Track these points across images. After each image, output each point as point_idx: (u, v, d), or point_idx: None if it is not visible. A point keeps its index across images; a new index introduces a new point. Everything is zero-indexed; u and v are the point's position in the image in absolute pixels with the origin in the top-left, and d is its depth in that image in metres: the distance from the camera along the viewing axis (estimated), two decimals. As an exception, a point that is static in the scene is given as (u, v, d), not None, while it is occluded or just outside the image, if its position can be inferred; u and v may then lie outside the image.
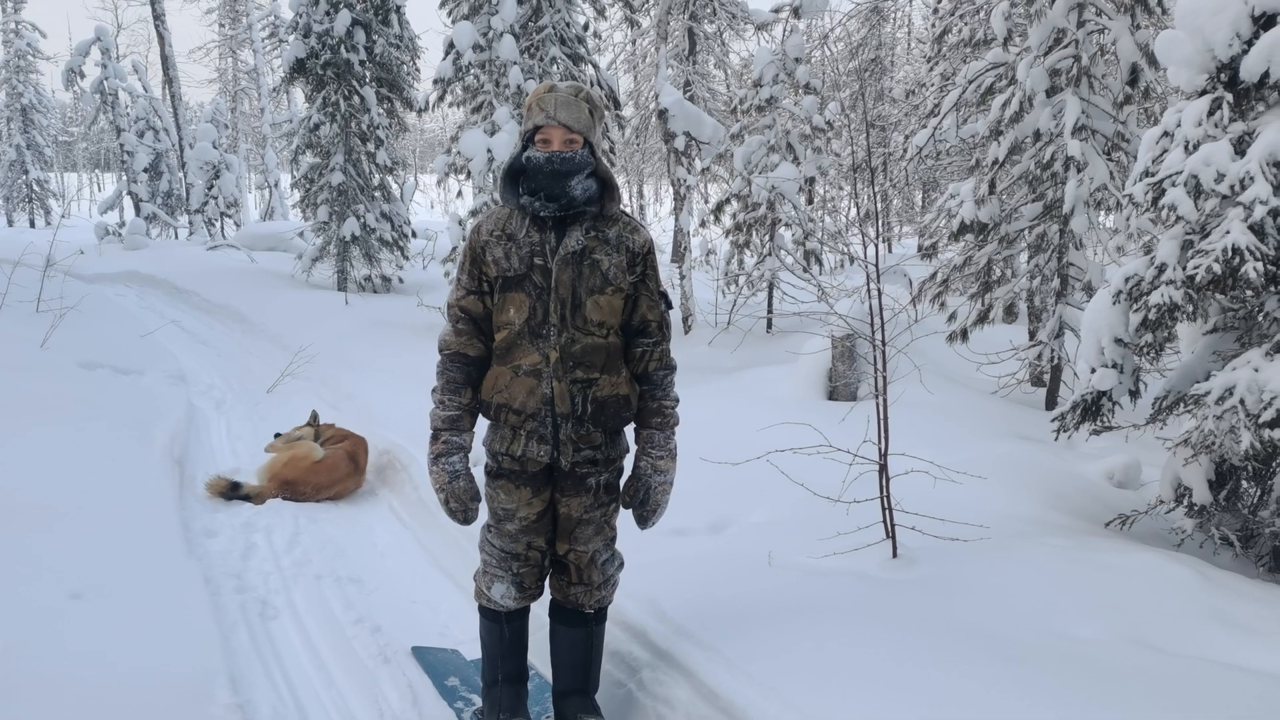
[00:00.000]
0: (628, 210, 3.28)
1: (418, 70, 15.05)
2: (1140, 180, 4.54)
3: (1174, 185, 4.30)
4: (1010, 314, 11.68)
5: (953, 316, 8.70)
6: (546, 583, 3.26)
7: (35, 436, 5.41)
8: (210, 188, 23.29)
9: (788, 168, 10.61)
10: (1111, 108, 7.72)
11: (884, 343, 4.31)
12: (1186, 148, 4.33)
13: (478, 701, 3.51)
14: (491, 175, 10.50)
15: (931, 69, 15.78)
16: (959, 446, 6.06)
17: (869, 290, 4.43)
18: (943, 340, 8.65)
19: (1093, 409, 4.94)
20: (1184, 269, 4.33)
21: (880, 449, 4.21)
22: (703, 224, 12.54)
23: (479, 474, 3.16)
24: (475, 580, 3.27)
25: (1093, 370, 4.87)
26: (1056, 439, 5.37)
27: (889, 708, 2.87)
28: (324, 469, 5.81)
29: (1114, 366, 4.81)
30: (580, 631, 3.22)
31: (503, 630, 3.22)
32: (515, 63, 10.83)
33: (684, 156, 11.98)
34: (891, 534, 4.16)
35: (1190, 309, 4.38)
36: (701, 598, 3.75)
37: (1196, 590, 3.76)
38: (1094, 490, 5.56)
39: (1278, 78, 4.09)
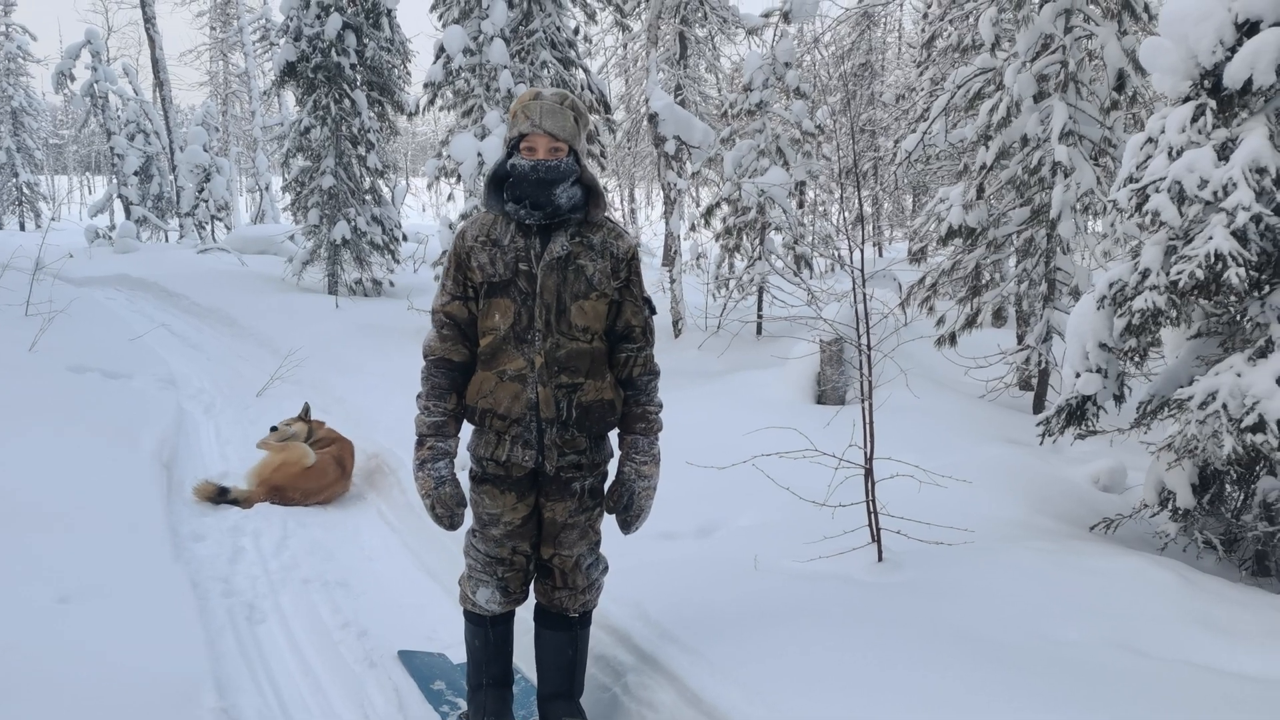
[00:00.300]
0: (612, 216, 3.29)
1: (408, 74, 15.04)
2: (1125, 186, 4.57)
3: (1158, 191, 4.33)
4: (999, 318, 11.72)
5: (941, 320, 8.73)
6: (531, 587, 3.27)
7: (23, 440, 5.40)
8: (201, 191, 23.24)
9: (777, 172, 10.63)
10: (1098, 113, 7.76)
11: (869, 347, 4.32)
12: (1170, 154, 4.36)
13: (463, 705, 3.52)
14: (481, 179, 10.51)
15: (921, 74, 15.83)
16: (947, 450, 6.09)
17: (855, 295, 4.45)
18: (931, 344, 8.68)
19: (1077, 413, 4.96)
20: (1167, 274, 4.35)
21: (866, 453, 4.22)
22: (693, 228, 12.56)
23: (464, 479, 3.17)
24: (460, 584, 3.28)
25: (1077, 375, 4.89)
26: (1041, 443, 5.40)
27: (873, 710, 2.88)
28: (313, 475, 5.81)
29: (1098, 371, 4.83)
30: (565, 635, 3.23)
31: (488, 634, 3.23)
32: (506, 67, 10.84)
33: (674, 160, 11.99)
34: (877, 538, 4.18)
35: (1174, 314, 4.41)
36: (687, 602, 3.76)
37: (1179, 594, 3.79)
38: (1079, 494, 5.59)
39: (1261, 84, 4.12)
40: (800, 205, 13.95)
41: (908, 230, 19.19)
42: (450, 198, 12.93)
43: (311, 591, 4.50)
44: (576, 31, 12.24)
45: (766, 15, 12.02)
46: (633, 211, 26.49)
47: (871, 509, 4.18)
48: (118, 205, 25.37)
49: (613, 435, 3.21)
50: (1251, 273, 4.23)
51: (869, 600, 3.73)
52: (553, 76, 11.57)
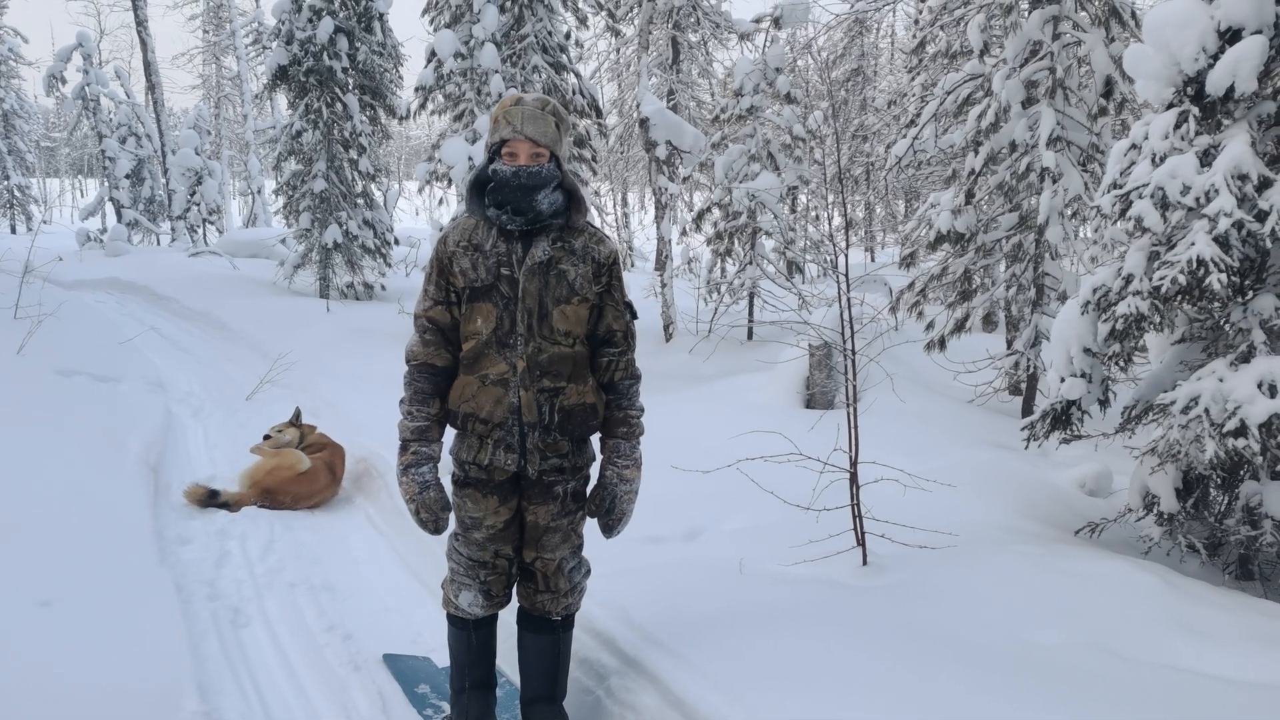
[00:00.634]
0: (593, 221, 3.30)
1: (400, 78, 15.06)
2: (1109, 192, 4.59)
3: (1141, 197, 4.35)
4: (989, 323, 11.74)
5: (930, 325, 8.76)
6: (514, 590, 3.28)
7: (8, 443, 5.39)
8: (193, 194, 23.22)
9: (768, 177, 10.66)
10: (1086, 119, 7.79)
11: (854, 351, 4.34)
12: (1154, 160, 4.38)
13: (447, 709, 3.52)
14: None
15: (913, 79, 15.88)
16: (935, 454, 6.11)
17: (840, 299, 4.47)
18: (920, 349, 8.71)
19: (1062, 418, 4.98)
20: (1150, 280, 4.38)
21: (851, 457, 4.24)
22: (684, 232, 12.58)
23: (447, 483, 3.18)
24: (443, 588, 3.28)
25: (1062, 380, 4.91)
26: (1026, 447, 5.42)
27: (849, 710, 2.90)
28: (305, 480, 5.80)
29: (1083, 376, 4.85)
30: (547, 639, 3.24)
31: (470, 638, 3.24)
32: (497, 71, 10.86)
33: (666, 165, 12.01)
34: (862, 542, 4.20)
35: (1157, 319, 4.43)
36: (672, 605, 3.77)
37: (1161, 597, 3.81)
38: (1065, 498, 5.61)
39: (1243, 92, 4.15)
40: (793, 210, 13.99)
41: (899, 235, 19.23)
42: (441, 202, 12.93)
43: (297, 595, 4.50)
44: (568, 36, 12.27)
45: (757, 21, 12.06)
46: (625, 216, 26.49)
47: (856, 513, 4.20)
48: (109, 208, 25.33)
49: (594, 439, 3.22)
50: (1234, 278, 4.26)
51: (852, 603, 3.75)
52: (544, 81, 11.59)
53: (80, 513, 4.67)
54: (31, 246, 10.89)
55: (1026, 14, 7.75)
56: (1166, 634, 3.52)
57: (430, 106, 12.10)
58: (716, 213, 11.36)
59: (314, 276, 14.26)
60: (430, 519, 3.06)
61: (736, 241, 11.30)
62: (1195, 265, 4.12)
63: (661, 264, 12.17)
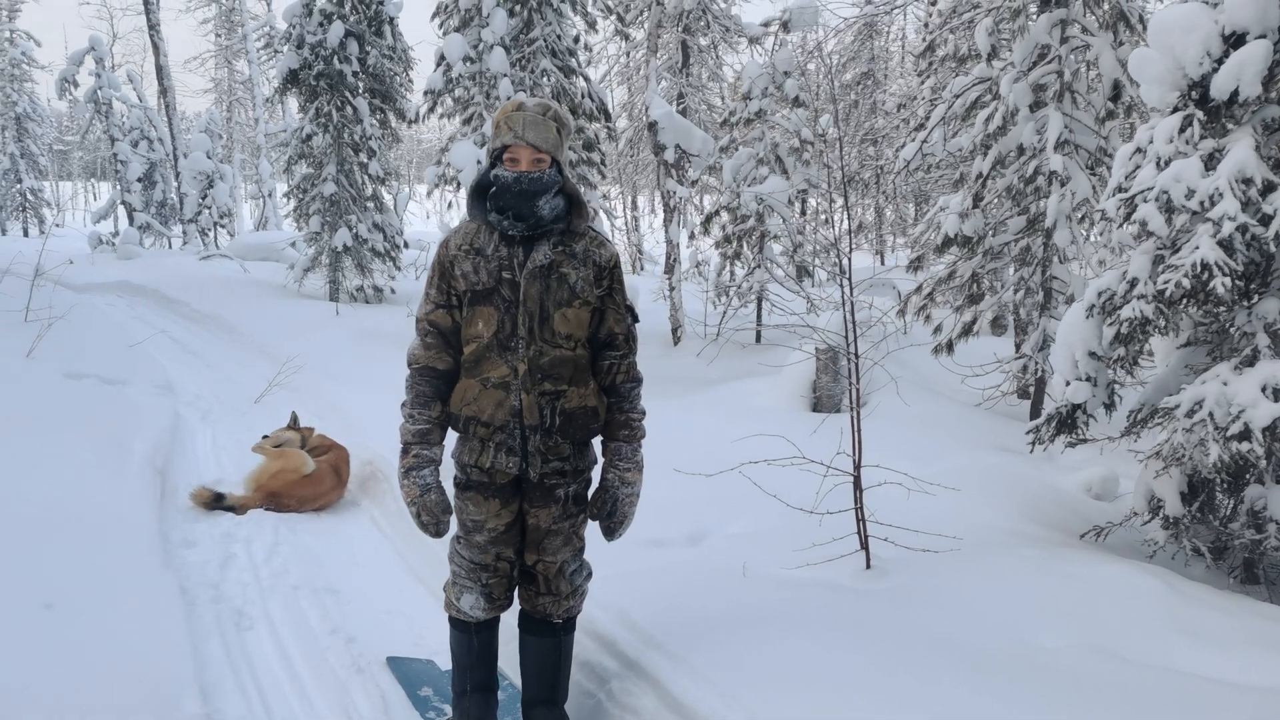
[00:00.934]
0: (594, 225, 3.31)
1: (410, 81, 15.11)
2: (1114, 195, 4.59)
3: (1145, 201, 4.35)
4: (997, 326, 11.73)
5: (938, 329, 8.75)
6: (515, 593, 3.29)
7: (15, 446, 5.42)
8: (204, 197, 23.33)
9: (776, 180, 10.67)
10: (1094, 123, 7.78)
11: (857, 355, 4.34)
12: (1158, 164, 4.38)
13: (449, 711, 3.53)
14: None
15: (923, 82, 15.86)
16: (941, 457, 6.11)
17: (844, 303, 4.47)
18: (928, 352, 8.70)
19: (1067, 421, 4.98)
20: (1155, 284, 4.37)
21: (854, 460, 4.24)
22: (693, 236, 12.59)
23: (448, 485, 3.19)
24: (445, 591, 3.30)
25: (1067, 383, 4.91)
26: (1032, 451, 5.41)
27: (853, 713, 2.90)
28: (311, 483, 5.81)
29: (1088, 380, 4.85)
30: (549, 641, 3.24)
31: (472, 640, 3.25)
32: (506, 75, 10.89)
33: (674, 169, 12.03)
34: (865, 545, 4.20)
35: (1161, 323, 4.43)
36: (674, 608, 3.78)
37: (1165, 601, 3.80)
38: (1070, 502, 5.60)
39: (1247, 96, 4.14)
40: (802, 214, 13.98)
41: (909, 238, 19.21)
42: (451, 205, 12.97)
43: (301, 598, 4.51)
44: (577, 40, 12.28)
45: (766, 24, 12.06)
46: (635, 219, 26.51)
47: (860, 516, 4.20)
48: (121, 212, 25.45)
49: (596, 442, 3.23)
50: (1238, 282, 4.25)
51: (854, 607, 3.75)
52: (553, 85, 11.60)
53: (85, 515, 4.69)
54: (43, 250, 10.95)
55: (1034, 18, 7.75)
56: (1169, 638, 3.51)
57: (439, 110, 12.13)
58: (725, 216, 11.38)
59: (324, 280, 14.30)
60: (431, 522, 3.08)
61: (745, 245, 11.31)
62: (1199, 269, 4.11)
63: (670, 267, 12.19)
